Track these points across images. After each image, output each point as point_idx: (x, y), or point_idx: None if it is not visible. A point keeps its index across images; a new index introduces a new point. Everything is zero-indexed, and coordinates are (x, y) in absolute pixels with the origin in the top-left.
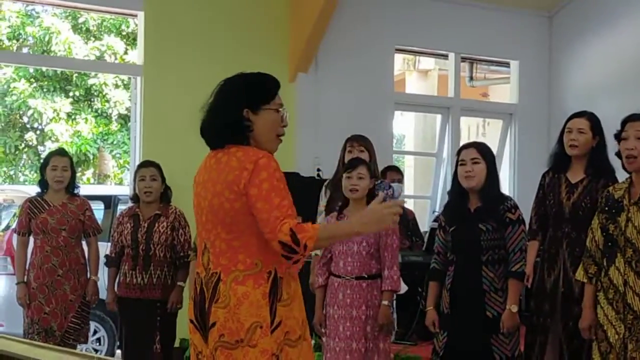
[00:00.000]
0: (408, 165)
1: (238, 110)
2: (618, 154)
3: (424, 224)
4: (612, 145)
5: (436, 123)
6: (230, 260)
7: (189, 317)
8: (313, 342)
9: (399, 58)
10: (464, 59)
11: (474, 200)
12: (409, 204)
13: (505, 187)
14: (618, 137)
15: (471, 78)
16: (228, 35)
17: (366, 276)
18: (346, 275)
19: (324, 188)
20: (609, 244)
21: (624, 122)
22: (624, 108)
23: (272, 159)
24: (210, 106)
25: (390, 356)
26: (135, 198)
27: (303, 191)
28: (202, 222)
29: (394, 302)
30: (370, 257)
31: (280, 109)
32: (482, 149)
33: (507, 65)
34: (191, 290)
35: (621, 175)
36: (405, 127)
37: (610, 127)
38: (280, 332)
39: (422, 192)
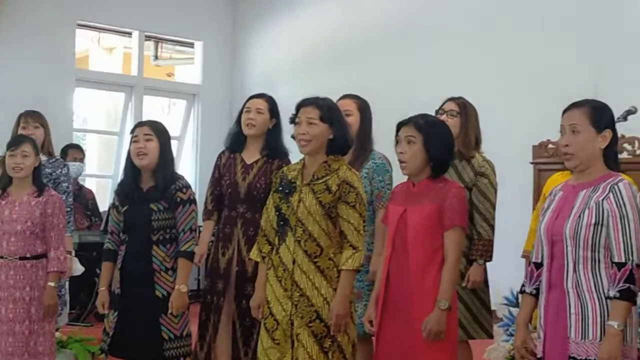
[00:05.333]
0: (91, 144)
1: None
2: (294, 137)
3: (106, 204)
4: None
5: (121, 102)
6: None
7: None
8: None
9: (83, 34)
10: (148, 38)
11: (146, 179)
12: (91, 183)
13: (188, 168)
14: (293, 120)
15: (156, 57)
16: None
17: (30, 256)
18: (9, 256)
19: None
20: (282, 223)
21: (298, 107)
22: (304, 91)
23: None
24: None
25: (55, 338)
26: None
27: None
28: None
29: (67, 283)
30: (34, 237)
31: None
32: (155, 127)
33: (192, 45)
34: None
35: (295, 157)
36: (90, 104)
37: (290, 110)
38: None
39: (106, 172)
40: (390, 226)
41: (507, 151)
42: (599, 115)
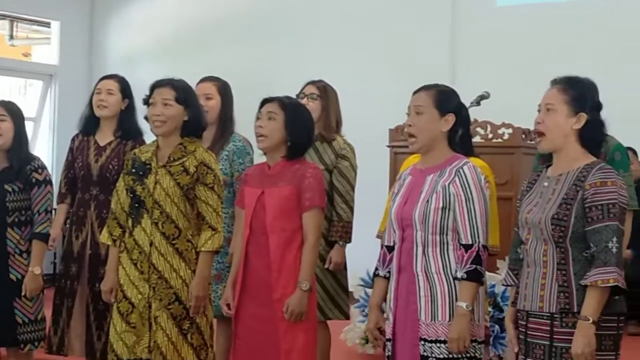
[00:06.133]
0: None
1: None
2: (147, 118)
3: None
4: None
5: None
6: None
7: None
8: None
9: None
10: (3, 17)
11: (0, 160)
12: None
13: (44, 150)
14: (147, 101)
15: (12, 37)
16: None
17: None
18: None
19: None
20: (136, 205)
21: (152, 88)
22: (165, 73)
23: None
24: None
25: None
26: None
27: None
28: None
29: None
30: None
31: None
32: (9, 108)
33: (49, 25)
34: None
35: (150, 139)
36: None
37: (146, 91)
38: None
39: None
40: (248, 208)
41: (364, 134)
42: (444, 99)
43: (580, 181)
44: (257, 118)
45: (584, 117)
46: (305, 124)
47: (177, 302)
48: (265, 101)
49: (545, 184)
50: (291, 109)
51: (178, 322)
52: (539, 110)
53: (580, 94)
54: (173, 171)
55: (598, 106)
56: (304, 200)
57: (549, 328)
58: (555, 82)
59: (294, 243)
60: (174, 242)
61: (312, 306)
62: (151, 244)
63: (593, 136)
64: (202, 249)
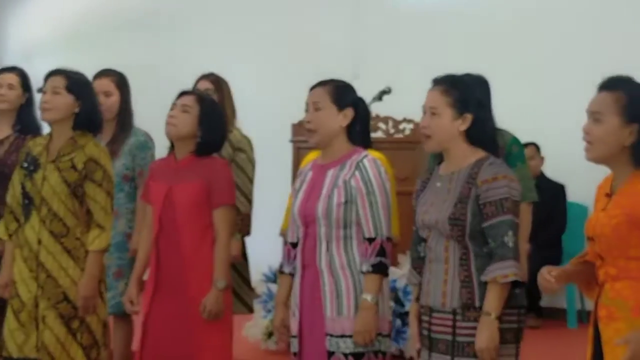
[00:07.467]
0: None
1: None
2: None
3: None
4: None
5: None
6: None
7: None
8: None
9: None
10: None
11: None
12: None
13: None
14: (41, 90)
15: None
16: None
17: None
18: None
19: None
20: (26, 201)
21: (46, 77)
22: (62, 65)
23: None
24: None
25: None
26: None
27: None
28: None
29: None
30: None
31: None
32: None
33: None
34: None
35: None
36: None
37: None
38: None
39: None
40: (156, 204)
41: (267, 129)
42: (341, 93)
43: (472, 178)
44: (172, 108)
45: (469, 117)
46: (219, 125)
47: (66, 301)
48: (182, 93)
49: (438, 183)
50: (208, 105)
51: (66, 322)
52: (424, 112)
53: (463, 95)
54: (61, 167)
55: (482, 102)
56: (214, 198)
57: (451, 323)
58: (437, 82)
59: (207, 238)
60: (62, 240)
61: (227, 304)
62: (39, 242)
63: (481, 134)
64: (90, 248)
